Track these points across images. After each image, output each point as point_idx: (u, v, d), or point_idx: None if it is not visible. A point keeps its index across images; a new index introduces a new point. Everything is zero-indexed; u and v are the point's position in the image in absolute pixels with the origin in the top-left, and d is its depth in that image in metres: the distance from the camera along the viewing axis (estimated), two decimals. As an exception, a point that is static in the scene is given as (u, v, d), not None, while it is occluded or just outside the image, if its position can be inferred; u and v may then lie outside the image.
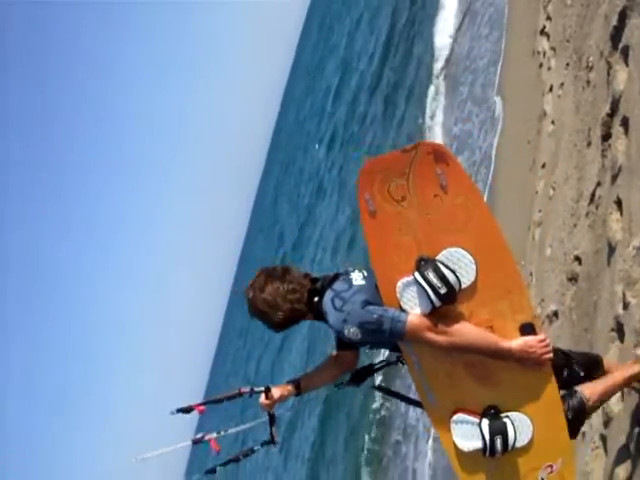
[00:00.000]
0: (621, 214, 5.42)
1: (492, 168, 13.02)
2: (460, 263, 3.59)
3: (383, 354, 4.33)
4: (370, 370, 4.17)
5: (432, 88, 20.32)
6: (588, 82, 7.30)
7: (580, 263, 6.53)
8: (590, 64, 7.31)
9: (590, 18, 7.66)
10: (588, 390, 3.87)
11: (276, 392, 4.02)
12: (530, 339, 3.59)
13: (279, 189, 65.24)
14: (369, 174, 3.68)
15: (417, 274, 3.56)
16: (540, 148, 9.35)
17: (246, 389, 4.05)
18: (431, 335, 3.56)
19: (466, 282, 3.59)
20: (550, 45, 10.00)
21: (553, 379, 3.68)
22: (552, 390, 3.69)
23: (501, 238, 3.69)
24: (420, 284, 3.54)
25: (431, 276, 3.52)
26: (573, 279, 6.68)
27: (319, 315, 3.85)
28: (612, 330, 5.12)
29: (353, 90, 36.08)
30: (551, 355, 3.63)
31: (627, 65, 5.73)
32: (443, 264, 3.56)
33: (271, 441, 4.10)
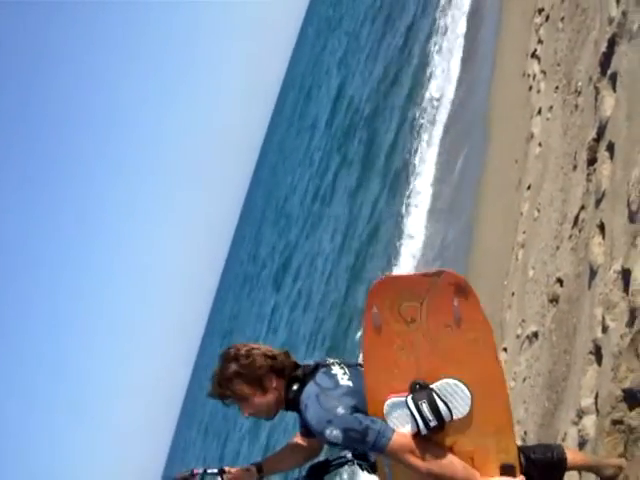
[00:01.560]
0: (603, 238, 5.47)
1: (478, 184, 13.09)
2: (456, 396, 3.52)
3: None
4: (326, 467, 4.11)
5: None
6: (576, 106, 7.38)
7: (562, 285, 6.58)
8: (579, 89, 7.40)
9: (581, 43, 7.75)
10: None
11: (240, 473, 4.02)
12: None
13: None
14: (383, 289, 3.58)
15: (410, 400, 3.51)
16: (527, 169, 9.42)
17: (199, 469, 4.02)
18: (412, 458, 3.51)
19: (458, 415, 3.54)
20: (540, 68, 10.09)
21: None
22: None
23: (502, 379, 3.64)
24: (411, 411, 3.50)
25: (424, 407, 3.45)
26: (554, 301, 6.72)
27: (292, 404, 3.77)
28: (590, 353, 5.15)
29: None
30: None
31: (615, 91, 5.80)
32: (438, 395, 3.50)
33: None
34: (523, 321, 7.45)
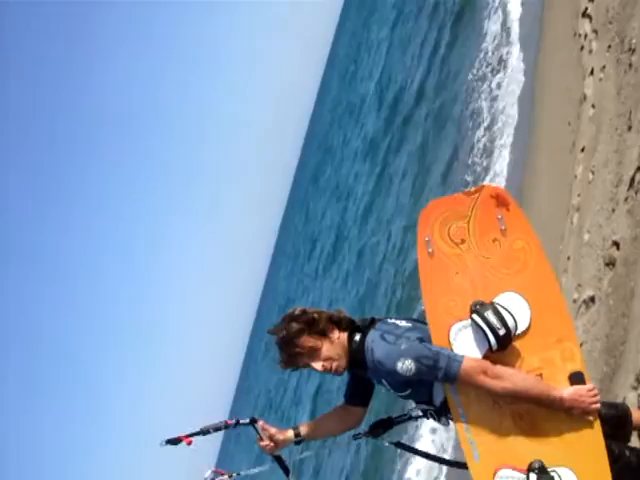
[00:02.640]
0: (661, 199, 5.37)
1: (531, 148, 12.90)
2: (517, 308, 3.58)
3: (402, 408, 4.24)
4: (390, 423, 4.12)
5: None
6: (630, 65, 7.22)
7: (618, 248, 6.48)
8: (633, 47, 7.23)
9: (634, 0, 7.57)
10: None
11: (277, 433, 4.01)
12: (580, 388, 3.57)
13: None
14: (430, 215, 3.71)
15: (475, 315, 3.55)
16: (580, 132, 9.24)
17: (232, 421, 4.05)
18: (485, 379, 3.53)
19: (521, 327, 3.58)
20: (592, 27, 9.85)
21: (599, 429, 3.62)
22: (598, 441, 3.62)
23: (555, 285, 3.70)
24: (479, 325, 3.53)
25: (491, 317, 3.51)
26: (611, 264, 6.62)
27: (355, 356, 3.78)
28: (649, 316, 5.08)
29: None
30: (599, 405, 3.60)
31: (671, 48, 5.66)
32: (501, 306, 3.55)
33: (286, 473, 4.09)
34: (579, 285, 7.35)
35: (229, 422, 4.06)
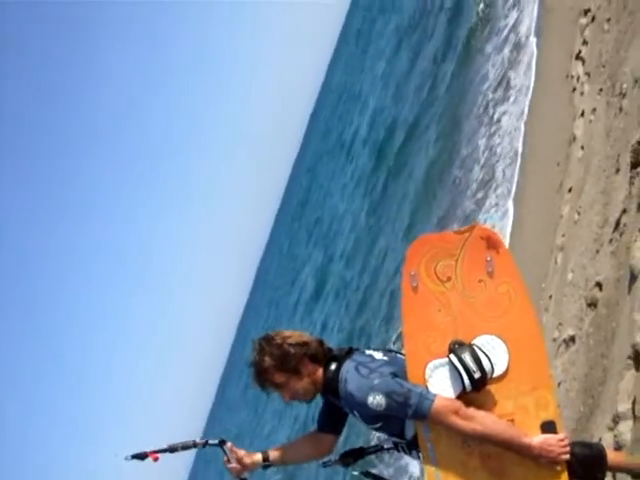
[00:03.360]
0: (645, 242, 5.40)
1: (517, 186, 12.98)
2: (494, 352, 3.59)
3: (373, 439, 4.24)
4: (361, 453, 4.11)
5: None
6: (620, 109, 7.28)
7: (601, 289, 6.50)
8: (624, 91, 7.29)
9: (627, 44, 7.65)
10: None
11: (245, 456, 4.01)
12: (550, 437, 3.57)
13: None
14: (419, 250, 3.71)
15: (452, 356, 3.55)
16: (568, 172, 9.31)
17: (201, 441, 4.03)
18: (456, 419, 3.52)
19: (497, 372, 3.58)
20: (585, 70, 9.96)
21: (566, 479, 3.61)
22: None
23: (537, 333, 3.70)
24: (455, 366, 3.53)
25: (468, 359, 3.51)
26: (593, 305, 6.64)
27: (328, 386, 3.81)
28: (629, 358, 5.09)
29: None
30: (568, 456, 3.59)
31: (661, 93, 5.72)
32: (480, 349, 3.55)
33: None
34: (560, 324, 7.37)
35: (198, 442, 4.03)
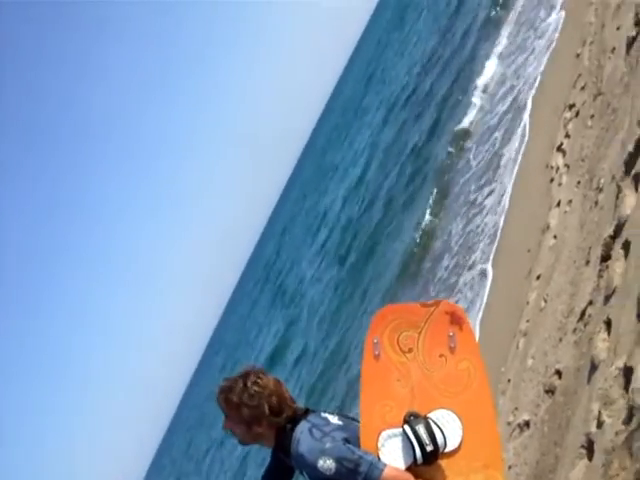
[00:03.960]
0: (609, 334, 5.44)
1: (488, 272, 13.07)
2: (449, 426, 3.60)
3: None
4: None
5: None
6: (596, 203, 7.40)
7: (560, 377, 6.53)
8: (601, 186, 7.42)
9: (608, 141, 7.80)
10: None
11: None
12: None
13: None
14: (384, 319, 3.76)
15: (407, 427, 3.56)
16: (538, 259, 9.42)
17: None
18: None
19: (450, 447, 3.59)
20: (564, 162, 10.15)
21: None
22: None
23: (492, 413, 3.74)
24: (408, 437, 3.54)
25: (422, 431, 3.52)
26: (550, 392, 6.67)
27: (281, 443, 3.81)
28: (582, 447, 5.09)
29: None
30: None
31: (637, 191, 5.82)
32: (435, 422, 3.56)
33: None
34: (516, 409, 7.38)
35: None
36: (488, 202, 15.52)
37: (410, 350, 3.70)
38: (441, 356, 3.70)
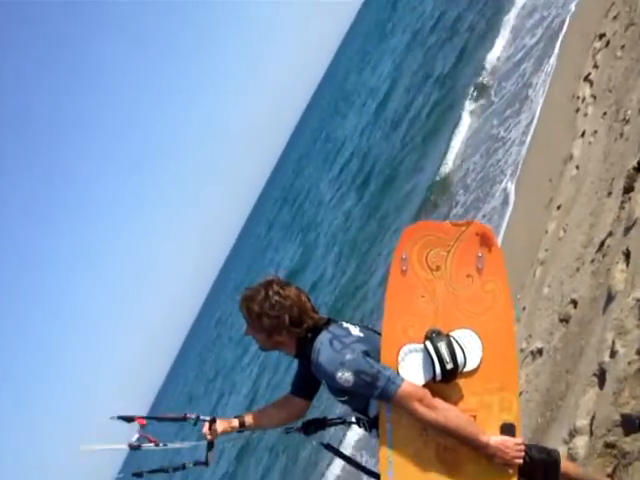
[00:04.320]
0: (627, 265, 5.45)
1: (510, 197, 13.01)
2: (469, 346, 3.61)
3: (338, 410, 4.29)
4: (323, 423, 4.19)
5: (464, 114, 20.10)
6: (621, 134, 7.33)
7: (575, 307, 6.56)
8: (627, 117, 7.35)
9: (637, 73, 7.70)
10: None
11: (220, 425, 4.04)
12: (508, 440, 3.61)
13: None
14: (414, 234, 3.73)
15: (428, 343, 3.57)
16: (559, 190, 9.38)
17: (192, 415, 4.06)
18: (419, 407, 3.55)
19: (469, 367, 3.61)
20: (591, 92, 10.03)
21: None
22: None
23: (513, 336, 3.73)
24: (429, 353, 3.55)
25: (443, 349, 3.53)
26: (565, 321, 6.71)
27: (302, 352, 3.86)
28: (594, 375, 5.14)
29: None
30: (521, 460, 3.63)
31: (664, 123, 5.77)
32: (455, 341, 3.58)
33: (204, 462, 4.11)
34: (530, 336, 7.43)
35: (189, 416, 4.05)
36: (512, 135, 15.38)
37: (438, 268, 3.70)
38: (468, 276, 3.69)
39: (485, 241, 3.70)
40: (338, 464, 14.58)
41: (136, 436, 3.97)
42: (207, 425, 4.02)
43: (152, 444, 3.99)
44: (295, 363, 4.13)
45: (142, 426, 4.00)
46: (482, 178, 15.86)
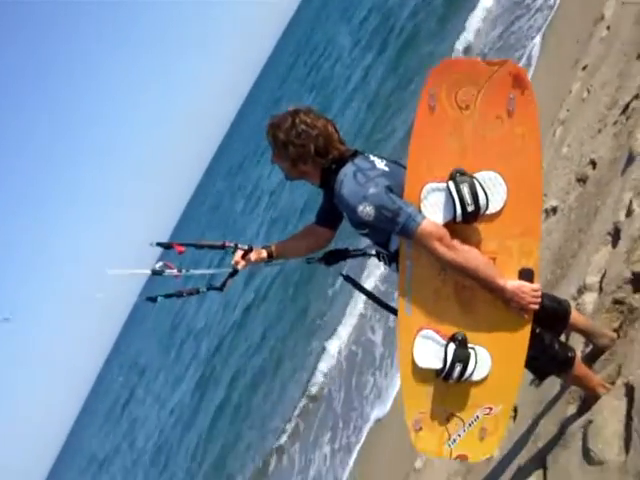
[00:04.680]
0: (651, 128, 5.44)
1: (534, 59, 12.78)
2: (494, 189, 3.53)
3: (362, 243, 4.28)
4: (345, 254, 4.21)
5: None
6: (657, -5, 7.16)
7: (594, 167, 6.56)
8: (665, -21, 7.16)
9: None
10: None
11: (253, 255, 4.08)
12: (525, 285, 3.61)
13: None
14: (444, 71, 3.57)
15: (451, 183, 3.52)
16: (587, 50, 9.22)
17: (231, 243, 4.09)
18: (439, 246, 3.55)
19: (491, 210, 3.57)
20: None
21: (529, 329, 3.70)
22: (523, 339, 3.71)
23: (539, 182, 3.60)
24: (451, 194, 3.51)
25: (465, 190, 3.46)
26: (582, 181, 6.73)
27: (327, 182, 3.84)
28: (608, 234, 5.20)
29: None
30: (537, 307, 3.64)
31: None
32: (479, 183, 3.55)
33: (219, 288, 4.15)
34: (545, 195, 7.45)
35: (228, 244, 4.09)
36: (538, 2, 14.98)
37: (467, 107, 3.57)
38: (498, 117, 3.56)
39: (518, 82, 3.55)
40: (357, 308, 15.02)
41: (160, 263, 4.04)
42: (241, 253, 4.07)
43: (174, 270, 4.07)
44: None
45: (180, 253, 4.05)
46: (505, 43, 15.56)
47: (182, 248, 4.04)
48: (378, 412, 11.38)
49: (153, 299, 4.17)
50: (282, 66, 77.68)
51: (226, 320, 32.69)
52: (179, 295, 4.17)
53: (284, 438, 15.63)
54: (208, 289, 4.19)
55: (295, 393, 16.70)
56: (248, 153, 64.30)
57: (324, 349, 15.88)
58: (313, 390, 15.49)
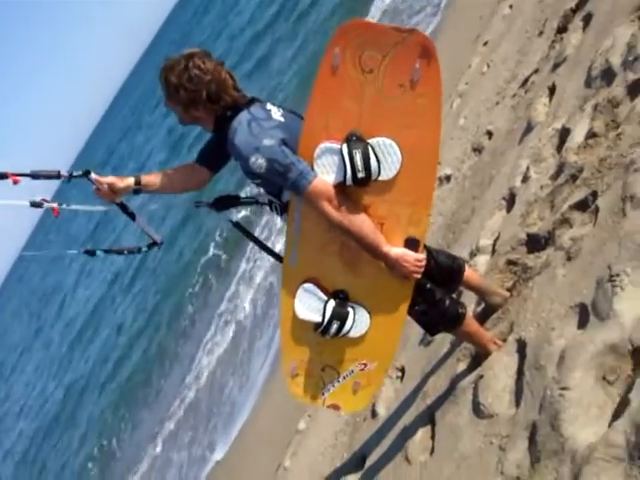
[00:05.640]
0: (550, 99, 5.54)
1: (437, 30, 12.92)
2: (388, 157, 3.50)
3: (251, 191, 4.18)
4: (235, 201, 4.12)
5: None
6: (560, -24, 7.30)
7: (490, 138, 6.68)
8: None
9: None
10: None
11: (110, 180, 3.87)
12: (409, 253, 3.61)
13: None
14: (351, 32, 3.49)
15: (345, 147, 3.48)
16: (489, 27, 9.38)
17: (65, 173, 3.87)
18: (327, 206, 3.53)
19: (384, 177, 3.55)
20: None
21: (410, 293, 3.74)
22: (404, 301, 3.76)
23: (436, 154, 3.56)
24: (343, 158, 3.47)
25: (357, 157, 3.42)
26: (477, 150, 6.84)
27: (220, 129, 3.73)
28: (503, 199, 5.29)
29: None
30: (419, 276, 3.66)
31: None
32: (373, 150, 3.51)
33: (157, 243, 4.08)
34: (439, 163, 7.55)
35: (63, 174, 3.86)
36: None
37: (371, 71, 3.51)
38: (401, 86, 3.51)
39: (425, 53, 3.49)
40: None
41: (39, 198, 3.85)
42: (95, 187, 3.85)
43: (54, 204, 3.89)
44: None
45: (15, 183, 3.84)
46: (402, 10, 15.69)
47: (18, 179, 3.83)
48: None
49: (91, 252, 4.03)
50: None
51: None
52: (119, 252, 4.13)
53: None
54: (148, 247, 4.10)
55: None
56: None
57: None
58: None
